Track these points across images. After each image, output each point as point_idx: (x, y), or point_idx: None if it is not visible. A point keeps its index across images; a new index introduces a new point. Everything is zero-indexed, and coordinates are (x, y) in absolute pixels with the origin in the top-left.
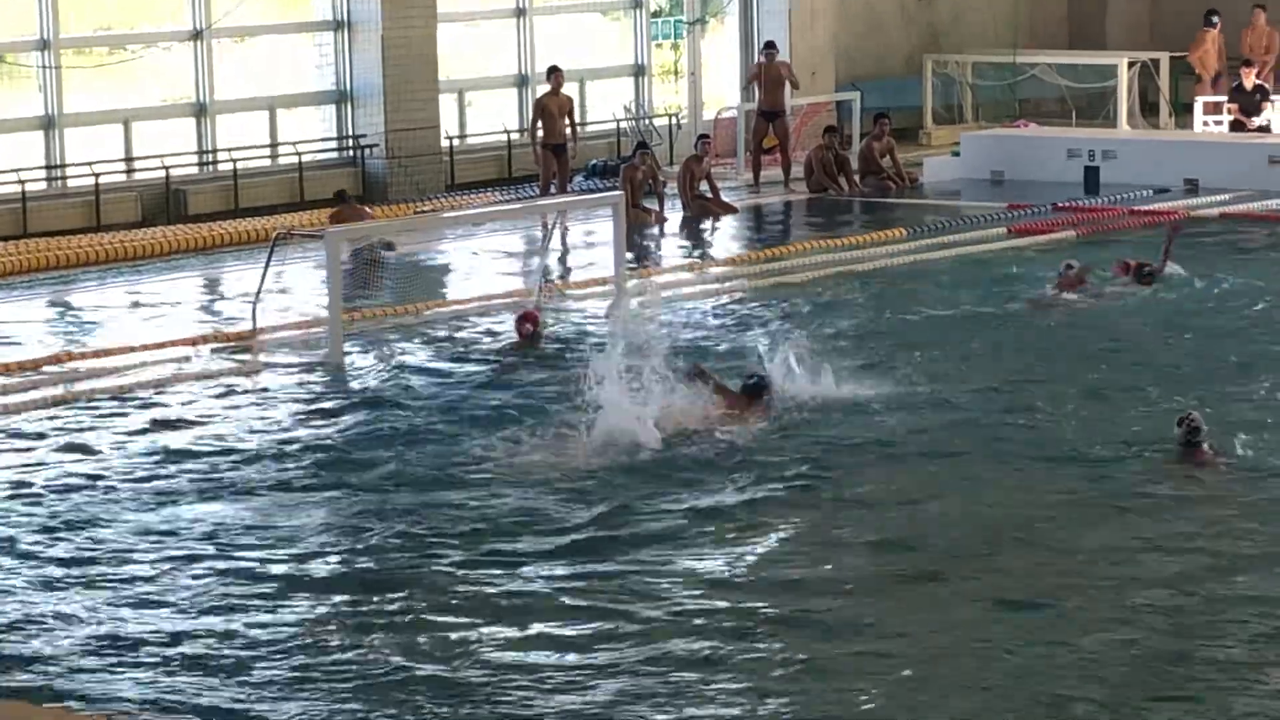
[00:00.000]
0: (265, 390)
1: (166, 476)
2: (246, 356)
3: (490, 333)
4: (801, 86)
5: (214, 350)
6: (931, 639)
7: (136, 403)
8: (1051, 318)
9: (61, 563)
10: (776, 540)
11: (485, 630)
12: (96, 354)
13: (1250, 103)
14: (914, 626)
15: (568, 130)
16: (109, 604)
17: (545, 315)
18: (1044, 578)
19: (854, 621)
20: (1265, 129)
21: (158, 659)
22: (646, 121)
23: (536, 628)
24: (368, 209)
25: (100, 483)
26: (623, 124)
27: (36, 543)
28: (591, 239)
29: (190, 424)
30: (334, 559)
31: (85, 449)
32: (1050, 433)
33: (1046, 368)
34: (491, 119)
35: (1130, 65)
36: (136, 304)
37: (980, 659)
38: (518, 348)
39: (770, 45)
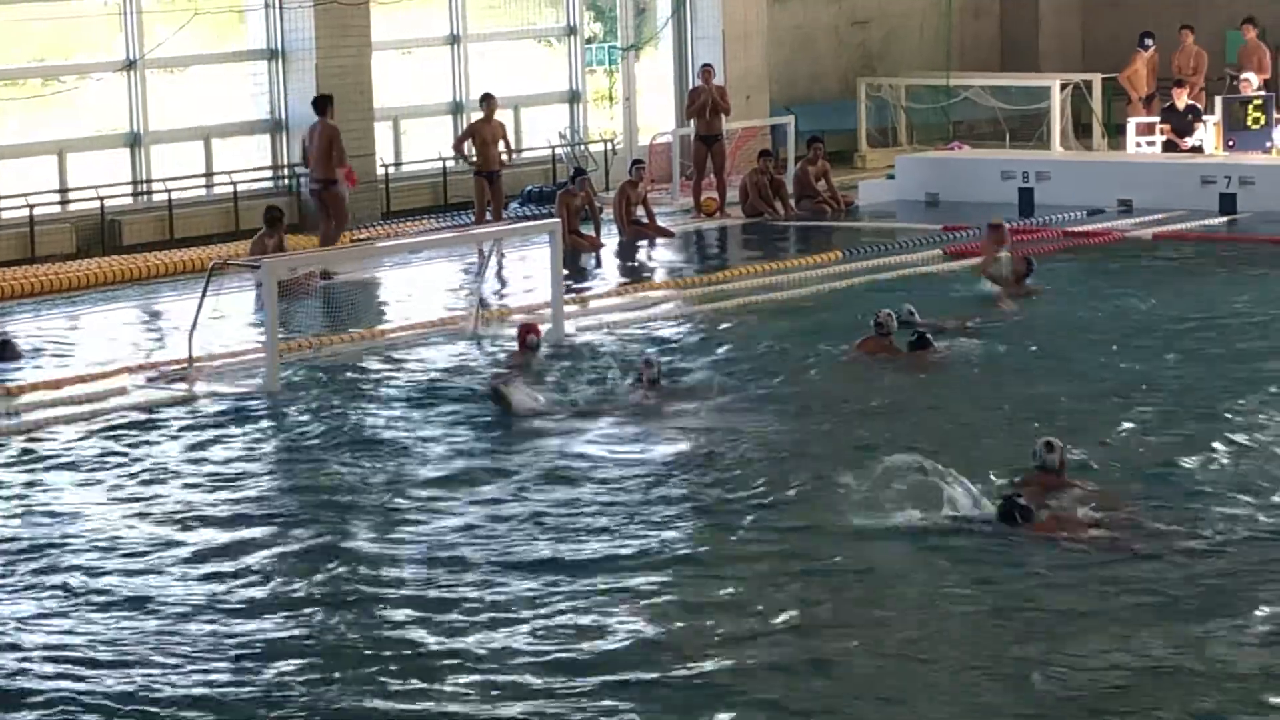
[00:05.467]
0: (200, 420)
1: (100, 506)
2: (182, 386)
3: (424, 360)
4: (733, 112)
5: (149, 380)
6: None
7: (71, 435)
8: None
9: None
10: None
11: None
12: (31, 386)
13: (1182, 123)
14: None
15: (503, 156)
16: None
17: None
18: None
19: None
20: (1198, 149)
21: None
22: (582, 147)
23: (492, 646)
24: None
25: (31, 515)
26: (558, 150)
27: None
28: (528, 266)
29: (124, 454)
30: (275, 588)
31: (17, 480)
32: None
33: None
34: (427, 146)
35: (1063, 87)
36: (72, 335)
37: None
38: (517, 358)
39: (707, 67)
